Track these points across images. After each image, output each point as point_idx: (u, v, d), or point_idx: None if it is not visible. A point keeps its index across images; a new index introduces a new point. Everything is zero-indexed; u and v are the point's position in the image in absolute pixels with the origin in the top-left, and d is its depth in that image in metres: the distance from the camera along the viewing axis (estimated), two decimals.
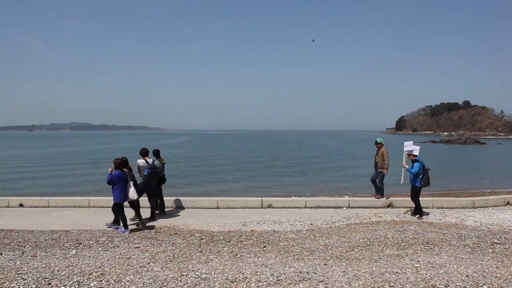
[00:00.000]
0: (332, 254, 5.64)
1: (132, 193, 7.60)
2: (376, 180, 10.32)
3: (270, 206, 10.06)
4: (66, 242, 6.32)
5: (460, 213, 9.41)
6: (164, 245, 6.14)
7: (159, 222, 8.24)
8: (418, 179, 8.99)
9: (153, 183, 8.50)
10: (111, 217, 8.91)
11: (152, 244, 6.23)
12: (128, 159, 8.00)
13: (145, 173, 8.29)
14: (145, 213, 8.48)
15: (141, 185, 8.31)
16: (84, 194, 14.40)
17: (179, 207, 9.98)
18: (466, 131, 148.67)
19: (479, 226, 7.79)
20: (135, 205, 8.00)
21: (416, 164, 8.98)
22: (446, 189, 16.94)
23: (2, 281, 4.31)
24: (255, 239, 6.59)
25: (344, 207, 10.08)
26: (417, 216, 9.05)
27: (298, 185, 18.77)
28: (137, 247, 6.00)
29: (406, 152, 9.47)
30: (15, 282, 4.31)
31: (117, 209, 7.46)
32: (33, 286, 4.21)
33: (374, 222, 8.25)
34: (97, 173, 23.84)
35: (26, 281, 4.34)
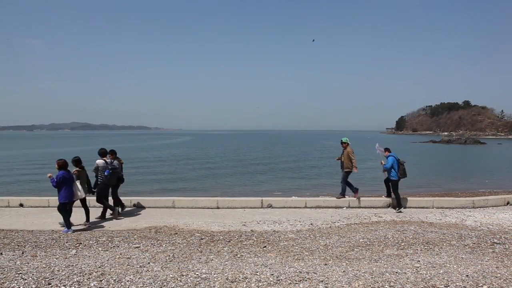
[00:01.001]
0: (332, 254, 5.64)
1: (81, 192, 7.69)
2: (345, 180, 10.37)
3: (270, 206, 10.06)
4: (66, 242, 6.32)
5: (460, 213, 9.41)
6: (164, 245, 6.14)
7: (159, 222, 8.24)
8: (394, 172, 9.53)
9: (113, 183, 8.73)
10: (111, 217, 8.92)
11: (152, 244, 6.23)
12: (80, 158, 8.11)
13: (105, 174, 8.44)
14: (96, 212, 8.78)
15: (102, 185, 8.49)
16: None
17: (179, 207, 9.98)
18: (466, 131, 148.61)
19: (479, 226, 7.79)
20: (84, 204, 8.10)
21: (389, 158, 9.59)
22: (446, 189, 16.95)
23: (2, 281, 4.31)
24: (255, 239, 6.59)
25: (344, 207, 10.08)
26: (397, 209, 9.55)
27: (298, 185, 18.78)
28: (137, 247, 6.00)
29: (379, 152, 10.17)
30: (15, 282, 4.31)
31: (62, 209, 7.40)
32: (33, 286, 4.21)
33: (374, 222, 8.25)
34: None
35: (26, 281, 4.34)
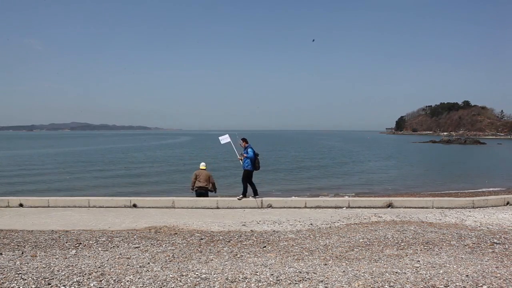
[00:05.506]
0: (332, 254, 5.64)
1: None
2: None
3: (270, 206, 10.06)
4: (66, 242, 6.31)
5: (460, 213, 9.40)
6: (164, 245, 6.13)
7: (159, 222, 8.24)
8: (250, 163, 10.11)
9: None
10: (111, 216, 8.92)
11: (152, 244, 6.22)
12: None
13: None
14: None
15: None
16: (84, 194, 14.40)
17: (178, 207, 9.98)
18: (466, 131, 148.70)
19: (479, 226, 7.79)
20: None
21: (249, 149, 10.11)
22: (446, 189, 16.97)
23: (2, 281, 4.31)
24: (255, 239, 6.59)
25: (344, 207, 10.08)
26: (241, 196, 10.22)
27: (298, 185, 18.79)
28: (137, 247, 6.00)
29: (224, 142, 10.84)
30: (15, 282, 4.31)
31: None
32: (33, 286, 4.21)
33: (374, 222, 8.25)
34: (96, 171, 23.87)
35: (26, 281, 4.34)
